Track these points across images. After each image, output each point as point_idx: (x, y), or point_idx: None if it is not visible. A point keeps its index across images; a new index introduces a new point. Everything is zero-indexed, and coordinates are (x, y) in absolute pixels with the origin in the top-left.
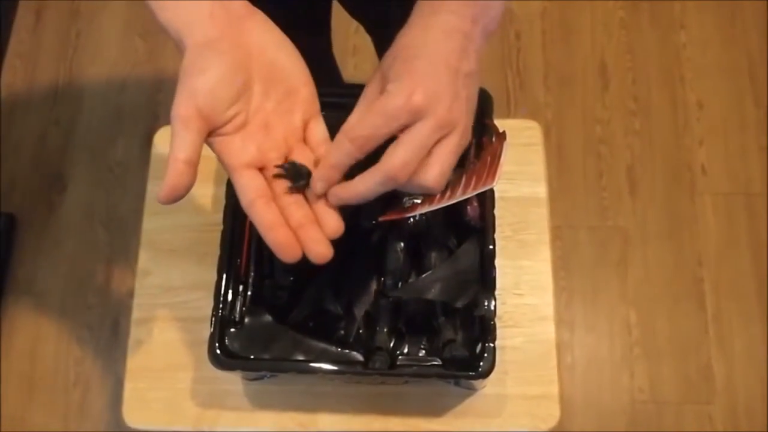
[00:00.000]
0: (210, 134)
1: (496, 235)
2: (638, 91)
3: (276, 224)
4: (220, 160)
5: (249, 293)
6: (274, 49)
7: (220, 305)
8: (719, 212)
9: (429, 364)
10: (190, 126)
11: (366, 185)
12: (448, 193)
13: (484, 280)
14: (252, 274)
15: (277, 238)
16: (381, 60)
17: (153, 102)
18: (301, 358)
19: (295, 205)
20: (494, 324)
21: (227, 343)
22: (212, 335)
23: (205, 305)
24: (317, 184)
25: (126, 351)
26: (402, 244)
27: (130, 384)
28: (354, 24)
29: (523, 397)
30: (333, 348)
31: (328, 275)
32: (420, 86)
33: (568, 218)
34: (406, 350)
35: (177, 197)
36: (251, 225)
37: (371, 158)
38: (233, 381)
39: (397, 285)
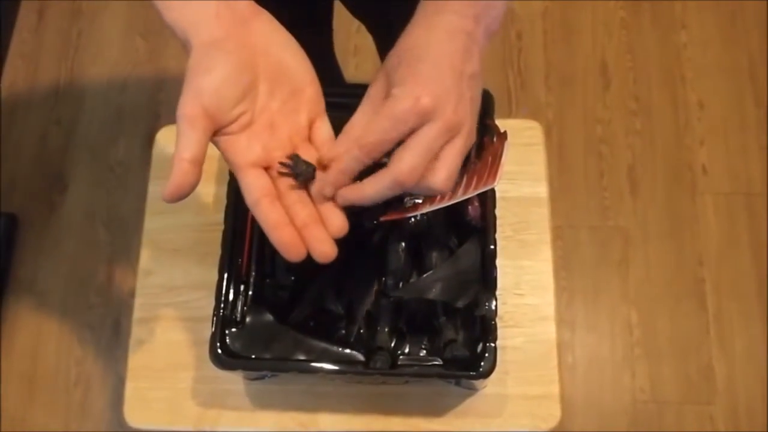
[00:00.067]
0: (215, 133)
1: (497, 235)
2: (639, 91)
3: (281, 223)
4: (226, 159)
5: (250, 293)
6: (280, 48)
7: (222, 305)
8: (720, 212)
9: (430, 363)
10: (196, 125)
11: (375, 188)
12: (449, 193)
13: (485, 280)
14: (253, 273)
15: (282, 238)
16: (384, 60)
17: (154, 101)
18: (302, 357)
19: (299, 204)
20: (495, 324)
21: (228, 342)
22: (213, 335)
23: (207, 305)
24: (326, 188)
25: (127, 350)
26: (403, 244)
27: (132, 383)
28: (355, 23)
29: (523, 397)
30: (334, 348)
31: (330, 275)
32: (426, 89)
33: (569, 218)
34: (407, 350)
35: (182, 196)
36: (252, 225)
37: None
38: (234, 381)
39: (398, 285)
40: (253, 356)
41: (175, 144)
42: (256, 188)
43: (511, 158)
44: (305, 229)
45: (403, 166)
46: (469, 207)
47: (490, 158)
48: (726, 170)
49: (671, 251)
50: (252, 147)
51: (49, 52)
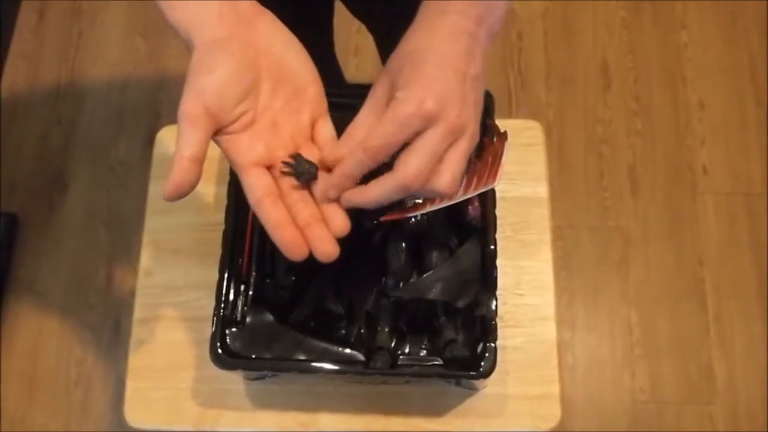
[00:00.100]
0: (218, 132)
1: (497, 235)
2: (640, 91)
3: (283, 223)
4: (228, 158)
5: (250, 293)
6: (283, 48)
7: (222, 305)
8: (720, 212)
9: (430, 363)
10: (197, 124)
11: (380, 192)
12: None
13: (486, 280)
14: (253, 273)
15: (284, 237)
16: (387, 61)
17: (155, 101)
18: (302, 357)
19: (302, 203)
20: (495, 324)
21: (229, 342)
22: (214, 335)
23: (207, 305)
24: (330, 191)
25: (127, 350)
26: (403, 244)
27: (132, 383)
28: (356, 24)
29: (524, 397)
30: (334, 348)
31: (330, 275)
32: (430, 92)
33: (570, 218)
34: (407, 350)
35: (182, 194)
36: (253, 224)
37: None
38: (235, 380)
39: (398, 285)
40: (254, 356)
41: (176, 142)
42: (258, 188)
43: (511, 158)
44: (307, 228)
45: (409, 170)
46: (470, 207)
47: (490, 158)
48: (726, 170)
49: (671, 251)
50: (254, 146)
51: (50, 52)
